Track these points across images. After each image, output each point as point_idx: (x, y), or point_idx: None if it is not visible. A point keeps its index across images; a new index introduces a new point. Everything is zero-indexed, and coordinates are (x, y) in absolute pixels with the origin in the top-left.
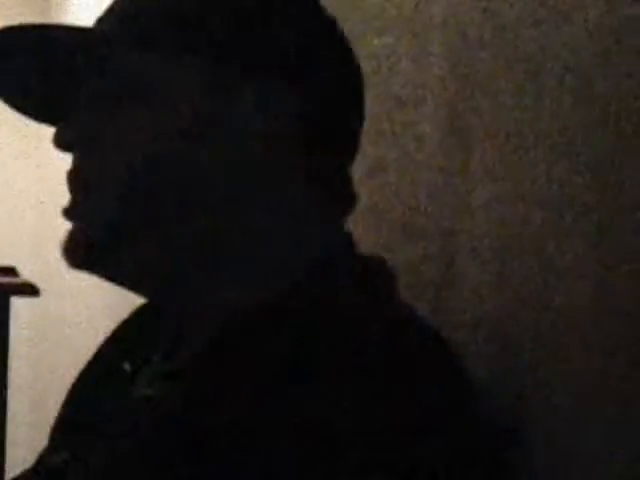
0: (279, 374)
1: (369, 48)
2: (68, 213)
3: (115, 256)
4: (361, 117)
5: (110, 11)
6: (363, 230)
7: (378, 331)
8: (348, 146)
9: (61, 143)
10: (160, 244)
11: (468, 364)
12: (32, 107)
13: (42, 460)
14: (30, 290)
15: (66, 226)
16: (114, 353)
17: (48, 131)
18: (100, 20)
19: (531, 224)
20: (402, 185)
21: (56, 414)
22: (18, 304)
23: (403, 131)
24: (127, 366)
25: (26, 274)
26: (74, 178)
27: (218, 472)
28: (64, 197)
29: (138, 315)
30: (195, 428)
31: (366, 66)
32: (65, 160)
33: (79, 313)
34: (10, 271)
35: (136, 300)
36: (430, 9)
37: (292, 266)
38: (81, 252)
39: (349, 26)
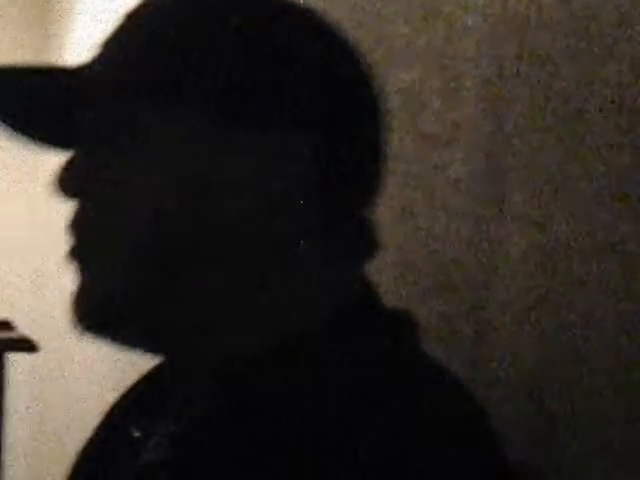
0: (291, 431)
1: (396, 83)
2: (73, 256)
3: (123, 321)
4: (378, 158)
5: (104, 50)
6: (391, 281)
7: (400, 382)
8: (366, 190)
9: (67, 189)
10: (169, 302)
11: (504, 421)
12: (35, 130)
13: None
14: (27, 345)
15: (65, 277)
16: (122, 419)
17: (45, 180)
18: (96, 59)
19: (571, 275)
20: (433, 232)
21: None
22: (14, 360)
23: (434, 174)
24: (136, 432)
25: (22, 328)
26: (77, 227)
27: None
28: (62, 245)
29: (146, 379)
30: None
31: (393, 103)
32: (61, 209)
33: (80, 370)
34: (5, 325)
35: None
36: (462, 41)
37: (303, 317)
38: (90, 315)
39: (374, 59)
